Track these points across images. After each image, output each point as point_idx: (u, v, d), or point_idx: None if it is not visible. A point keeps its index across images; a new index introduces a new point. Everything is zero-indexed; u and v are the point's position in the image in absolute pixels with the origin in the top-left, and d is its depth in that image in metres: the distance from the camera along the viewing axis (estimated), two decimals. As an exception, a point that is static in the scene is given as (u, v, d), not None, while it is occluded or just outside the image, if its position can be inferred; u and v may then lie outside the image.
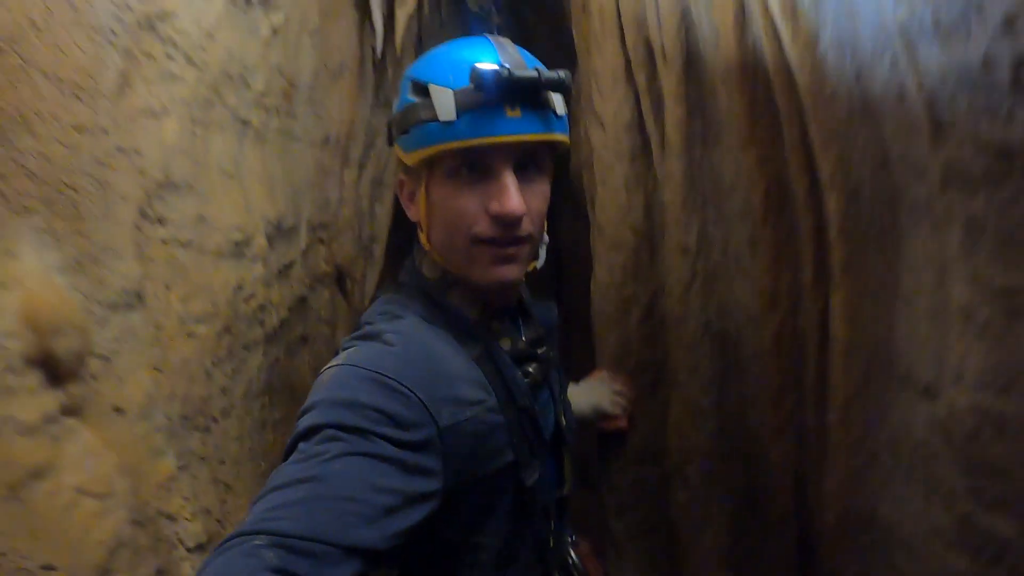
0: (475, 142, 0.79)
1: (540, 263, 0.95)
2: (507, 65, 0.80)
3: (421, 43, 2.17)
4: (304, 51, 1.62)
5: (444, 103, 0.79)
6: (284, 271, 1.48)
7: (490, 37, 0.87)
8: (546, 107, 0.83)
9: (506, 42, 0.87)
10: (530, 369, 0.94)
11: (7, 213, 0.66)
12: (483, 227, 0.83)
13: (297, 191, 1.59)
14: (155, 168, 0.94)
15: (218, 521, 0.97)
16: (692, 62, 1.24)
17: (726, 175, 1.18)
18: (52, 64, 0.76)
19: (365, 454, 0.68)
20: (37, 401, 0.63)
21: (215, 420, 0.99)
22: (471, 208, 0.83)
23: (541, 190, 0.88)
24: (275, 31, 1.44)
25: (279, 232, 1.43)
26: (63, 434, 0.66)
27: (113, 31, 0.86)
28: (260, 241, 1.27)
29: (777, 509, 1.27)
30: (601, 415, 1.43)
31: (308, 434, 0.69)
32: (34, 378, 0.63)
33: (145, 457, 0.79)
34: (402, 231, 2.28)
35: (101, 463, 0.68)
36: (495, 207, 0.81)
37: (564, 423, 1.01)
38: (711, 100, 1.20)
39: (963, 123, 0.75)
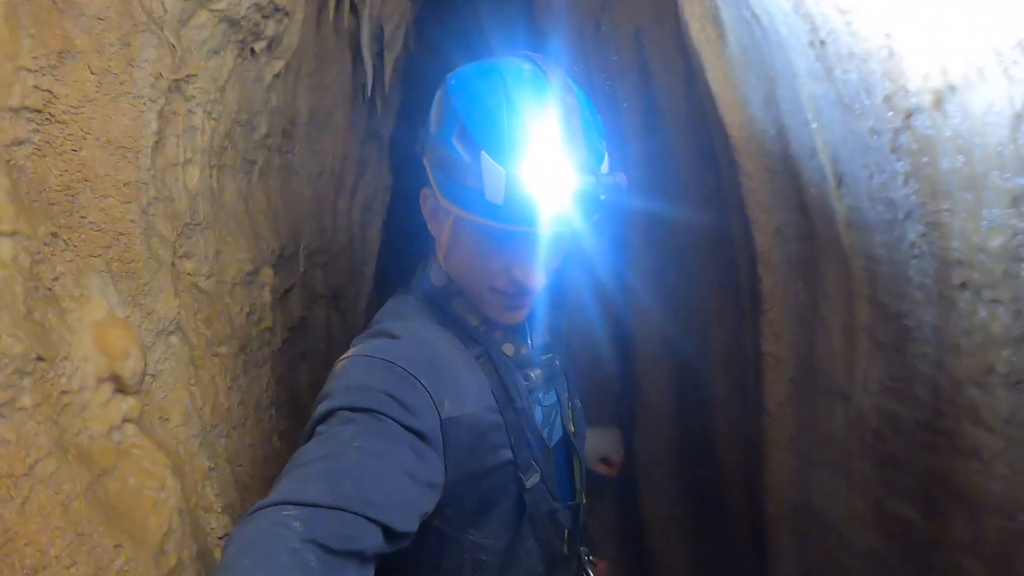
0: (519, 230, 0.78)
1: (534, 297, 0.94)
2: (569, 157, 0.76)
3: (407, 78, 2.33)
4: (301, 93, 1.78)
5: (494, 183, 0.75)
6: (285, 295, 1.62)
7: (551, 92, 0.80)
8: (594, 196, 0.79)
9: (571, 101, 0.80)
10: (531, 375, 0.94)
11: (79, 261, 0.81)
12: (503, 283, 0.84)
13: (296, 220, 1.73)
14: (184, 212, 1.09)
15: (240, 515, 1.11)
16: (650, 109, 1.41)
17: (681, 213, 1.35)
18: (104, 129, 0.90)
19: (380, 434, 0.70)
20: (106, 413, 0.78)
21: (235, 428, 1.13)
22: (495, 266, 0.83)
23: (564, 245, 0.88)
24: (276, 76, 1.59)
25: (281, 260, 1.57)
26: (125, 439, 0.80)
27: (151, 97, 1.01)
28: (267, 270, 1.42)
29: (733, 505, 1.43)
30: (601, 460, 1.40)
31: (325, 417, 0.71)
32: (104, 394, 0.77)
33: (185, 458, 0.92)
34: (393, 253, 2.43)
35: (156, 463, 0.82)
36: (518, 275, 0.82)
37: (573, 430, 1.01)
38: (668, 145, 1.37)
39: (859, 177, 0.92)
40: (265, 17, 1.38)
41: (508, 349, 0.93)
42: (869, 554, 1.08)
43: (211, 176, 1.23)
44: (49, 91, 0.79)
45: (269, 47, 1.47)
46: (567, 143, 0.77)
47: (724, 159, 1.11)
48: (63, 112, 0.81)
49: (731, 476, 1.38)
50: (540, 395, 0.97)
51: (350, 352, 0.82)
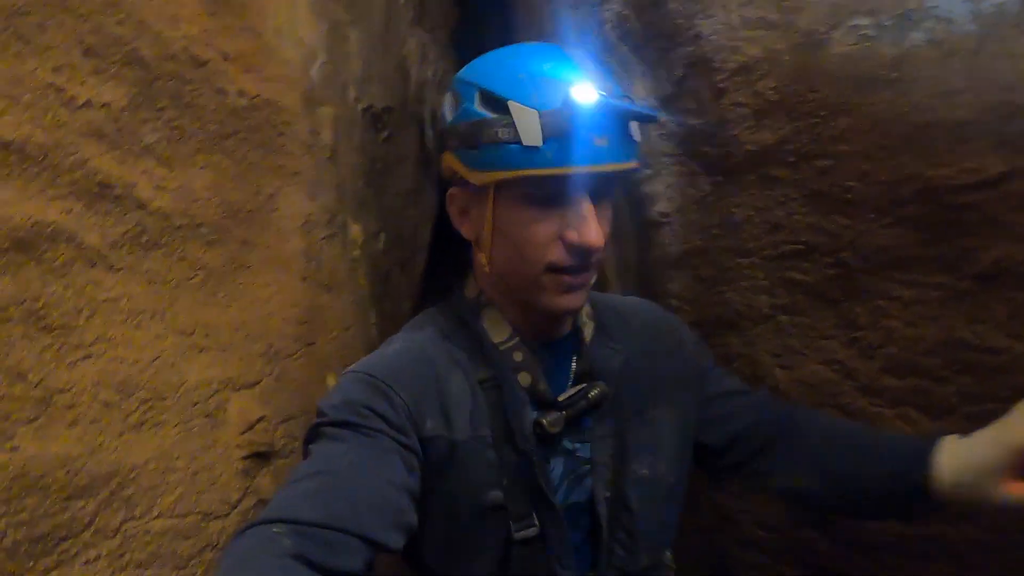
0: (562, 171, 0.74)
1: (592, 279, 0.89)
2: (601, 90, 0.74)
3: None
4: (392, 148, 3.25)
5: (529, 126, 0.73)
6: (383, 254, 3.08)
7: (564, 49, 0.80)
8: (629, 135, 0.78)
9: (580, 56, 0.80)
10: (543, 420, 0.84)
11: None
12: (558, 255, 0.80)
13: (387, 217, 3.21)
14: (362, 202, 2.56)
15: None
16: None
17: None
18: (351, 161, 2.38)
19: (367, 447, 0.73)
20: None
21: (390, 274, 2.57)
22: (546, 236, 0.79)
23: (608, 214, 0.84)
24: (383, 139, 3.08)
25: (383, 236, 3.04)
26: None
27: (359, 150, 2.49)
28: (382, 235, 2.88)
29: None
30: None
31: (316, 436, 0.76)
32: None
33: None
34: (437, 246, 3.89)
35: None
36: (573, 237, 0.78)
37: (607, 495, 0.89)
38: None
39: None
40: (385, 112, 2.88)
41: (524, 379, 0.87)
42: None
43: (365, 188, 2.70)
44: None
45: (384, 124, 2.96)
46: (590, 76, 0.77)
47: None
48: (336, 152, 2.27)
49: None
50: (567, 442, 0.89)
51: (346, 369, 0.84)
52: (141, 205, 1.15)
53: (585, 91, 0.74)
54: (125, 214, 1.10)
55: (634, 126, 0.80)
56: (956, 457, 0.83)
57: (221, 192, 1.44)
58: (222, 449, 1.25)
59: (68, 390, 0.93)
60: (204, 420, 1.22)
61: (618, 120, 0.76)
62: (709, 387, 1.05)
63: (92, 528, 0.92)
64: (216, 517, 1.19)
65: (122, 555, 0.96)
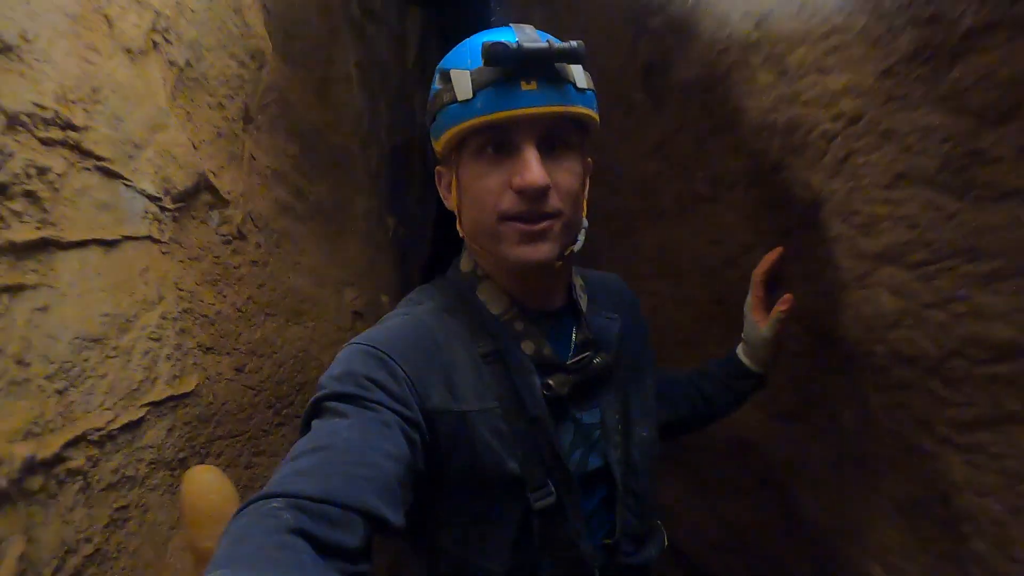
0: (491, 117, 0.79)
1: (578, 247, 0.90)
2: (519, 40, 0.78)
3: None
4: (407, 170, 4.69)
5: (461, 83, 0.80)
6: (389, 154, 4.51)
7: (512, 24, 0.86)
8: (564, 79, 0.81)
9: (526, 25, 0.85)
10: (551, 382, 0.87)
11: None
12: (509, 203, 0.82)
13: (393, 123, 4.64)
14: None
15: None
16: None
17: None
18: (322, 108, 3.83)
19: (368, 421, 0.72)
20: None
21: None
22: (496, 185, 0.82)
23: (569, 166, 0.85)
24: (402, 164, 4.52)
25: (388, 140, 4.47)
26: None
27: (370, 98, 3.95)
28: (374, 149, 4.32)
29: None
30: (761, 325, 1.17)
31: (316, 411, 0.75)
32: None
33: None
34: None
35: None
36: (517, 181, 0.80)
37: (619, 457, 0.92)
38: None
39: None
40: (403, 147, 4.32)
41: (527, 347, 0.88)
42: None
43: (393, 195, 4.13)
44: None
45: (403, 155, 4.39)
46: (520, 32, 0.82)
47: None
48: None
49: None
50: (575, 410, 0.91)
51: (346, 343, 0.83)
52: (307, 196, 2.59)
53: (499, 41, 0.78)
54: (305, 199, 2.54)
55: (574, 71, 0.83)
56: (742, 343, 1.19)
57: (331, 195, 2.87)
58: (345, 309, 2.72)
59: (286, 287, 2.36)
60: (339, 293, 2.70)
61: (539, 61, 0.78)
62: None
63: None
64: (342, 330, 2.69)
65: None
